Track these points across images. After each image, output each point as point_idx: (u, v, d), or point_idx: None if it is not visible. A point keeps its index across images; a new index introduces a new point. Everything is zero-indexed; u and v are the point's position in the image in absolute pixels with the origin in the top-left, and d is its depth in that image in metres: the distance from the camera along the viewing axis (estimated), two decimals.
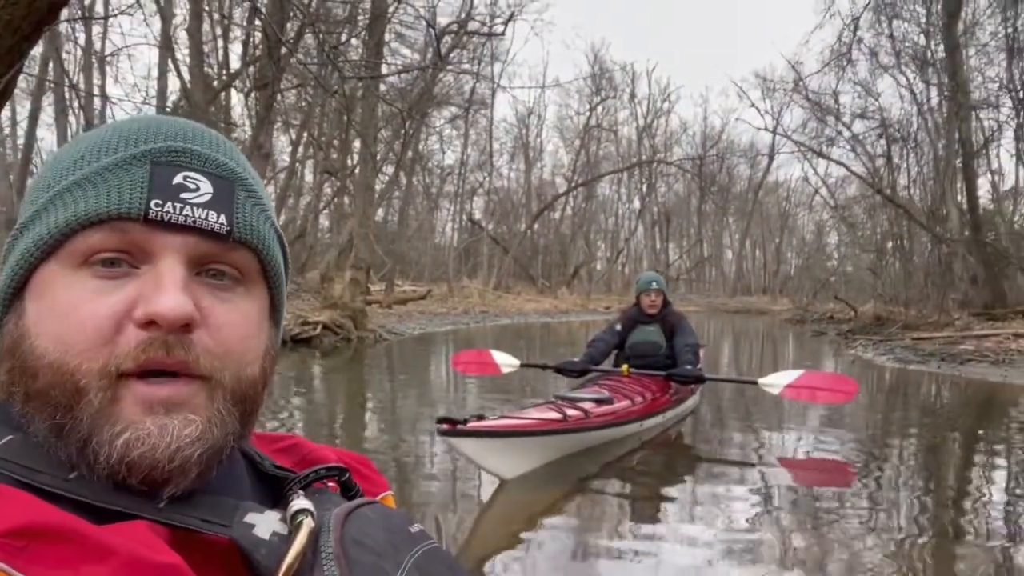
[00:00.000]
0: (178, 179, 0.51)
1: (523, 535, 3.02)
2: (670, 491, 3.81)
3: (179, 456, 0.47)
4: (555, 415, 3.90)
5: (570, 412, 3.96)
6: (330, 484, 0.59)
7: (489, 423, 3.50)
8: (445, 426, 3.26)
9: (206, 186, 0.51)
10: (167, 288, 0.48)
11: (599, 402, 4.31)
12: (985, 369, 9.64)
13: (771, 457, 4.60)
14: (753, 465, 4.36)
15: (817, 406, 6.30)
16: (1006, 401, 7.43)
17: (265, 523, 0.49)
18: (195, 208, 0.50)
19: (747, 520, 3.22)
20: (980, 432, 5.89)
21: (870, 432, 5.68)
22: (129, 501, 0.47)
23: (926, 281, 18.32)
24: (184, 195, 0.50)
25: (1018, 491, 3.92)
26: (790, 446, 4.93)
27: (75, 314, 0.48)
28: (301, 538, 0.47)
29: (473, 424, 3.34)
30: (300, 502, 0.51)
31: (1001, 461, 4.75)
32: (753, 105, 35.73)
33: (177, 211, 0.50)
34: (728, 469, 4.23)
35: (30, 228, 0.51)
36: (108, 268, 0.49)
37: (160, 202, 0.49)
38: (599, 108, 43.74)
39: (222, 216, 0.51)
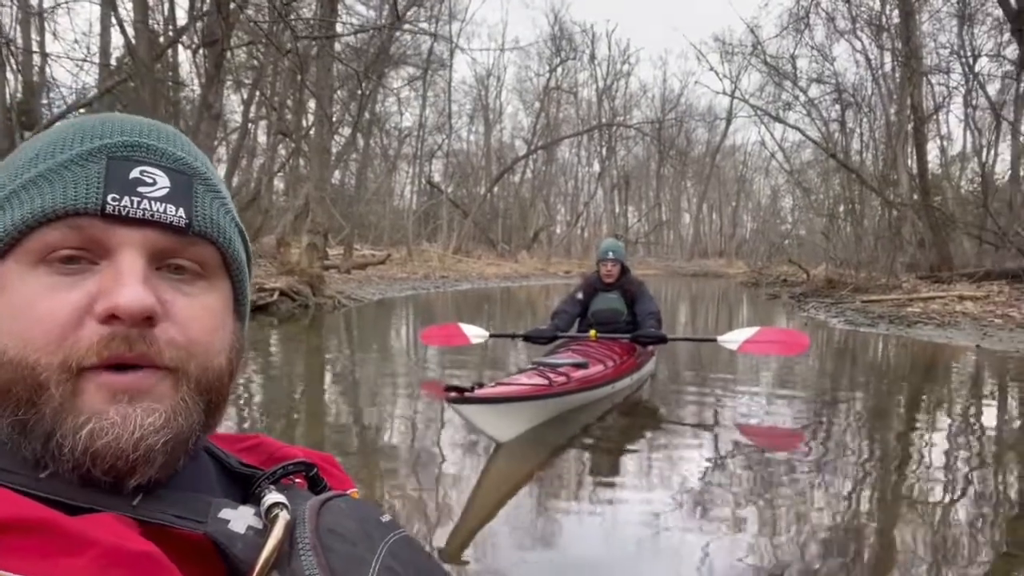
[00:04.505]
0: (135, 173, 0.50)
1: (511, 500, 3.14)
2: (638, 454, 3.93)
3: (143, 445, 0.47)
4: (542, 380, 4.08)
5: (554, 377, 4.15)
6: (297, 480, 0.60)
7: (491, 390, 3.70)
8: (454, 394, 3.45)
9: (163, 180, 0.51)
10: (127, 282, 0.48)
11: (577, 367, 4.47)
12: (931, 331, 9.99)
13: (725, 420, 4.72)
14: (709, 427, 4.49)
15: (769, 367, 6.52)
16: (950, 361, 7.74)
17: (240, 518, 0.49)
18: (153, 202, 0.50)
19: (703, 480, 3.32)
20: (925, 392, 6.13)
21: (820, 393, 5.87)
22: (102, 498, 0.47)
23: (876, 245, 18.82)
24: (141, 189, 0.50)
25: (959, 450, 4.10)
26: (743, 409, 5.06)
27: (33, 311, 0.48)
28: (278, 530, 0.48)
29: (479, 391, 3.56)
30: (273, 496, 0.52)
31: (944, 420, 4.96)
32: (712, 69, 35.79)
33: (135, 205, 0.49)
34: (686, 431, 4.35)
35: None
36: (66, 265, 0.49)
37: (117, 196, 0.49)
38: (559, 70, 43.43)
39: (180, 209, 0.51)
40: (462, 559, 2.47)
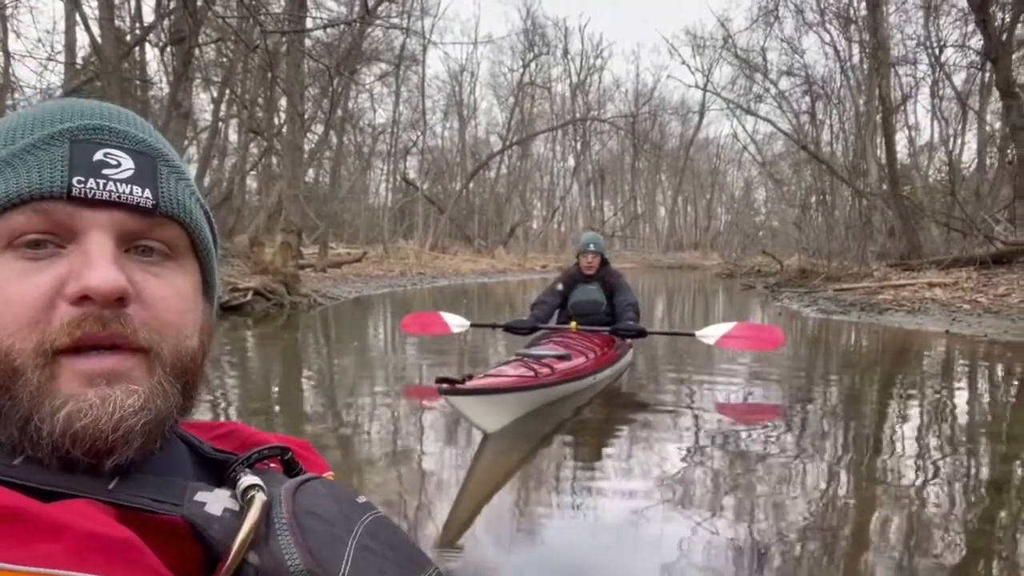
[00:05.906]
0: (99, 156, 0.50)
1: (502, 490, 3.17)
2: (620, 441, 3.97)
3: (123, 426, 0.47)
4: (528, 372, 4.12)
5: (539, 369, 4.19)
6: (272, 465, 0.60)
7: (481, 381, 3.73)
8: (445, 385, 3.47)
9: (127, 162, 0.51)
10: (97, 263, 0.48)
11: (560, 358, 4.50)
12: (901, 317, 10.17)
13: (702, 405, 4.77)
14: (686, 413, 4.52)
15: (744, 358, 6.59)
16: (920, 346, 7.88)
17: (216, 501, 0.50)
18: (119, 184, 0.50)
19: (682, 465, 3.36)
20: (897, 376, 6.24)
21: (796, 380, 5.95)
22: (78, 483, 0.47)
23: (847, 234, 19.10)
24: (106, 171, 0.50)
25: (931, 430, 4.19)
26: (721, 394, 5.12)
27: (2, 295, 0.47)
28: (255, 511, 0.48)
29: (470, 383, 3.59)
30: (249, 478, 0.52)
31: (916, 402, 5.05)
32: (684, 62, 36.05)
33: (101, 187, 0.49)
34: (665, 418, 4.37)
35: None
36: (34, 250, 0.48)
37: (82, 179, 0.49)
38: (532, 65, 43.42)
39: (147, 191, 0.51)
40: (456, 546, 2.50)
